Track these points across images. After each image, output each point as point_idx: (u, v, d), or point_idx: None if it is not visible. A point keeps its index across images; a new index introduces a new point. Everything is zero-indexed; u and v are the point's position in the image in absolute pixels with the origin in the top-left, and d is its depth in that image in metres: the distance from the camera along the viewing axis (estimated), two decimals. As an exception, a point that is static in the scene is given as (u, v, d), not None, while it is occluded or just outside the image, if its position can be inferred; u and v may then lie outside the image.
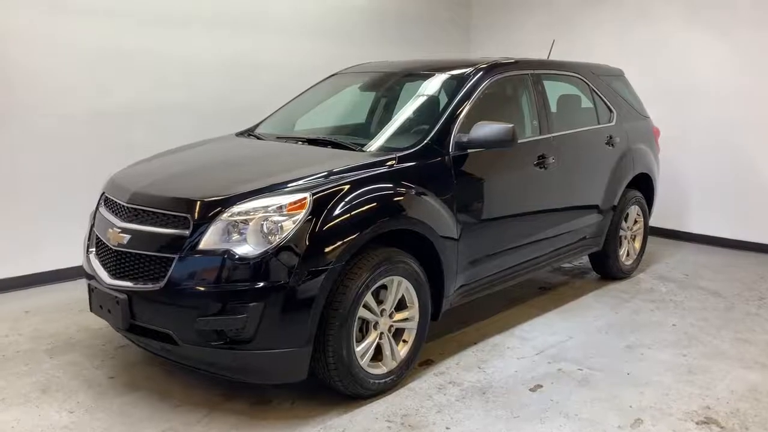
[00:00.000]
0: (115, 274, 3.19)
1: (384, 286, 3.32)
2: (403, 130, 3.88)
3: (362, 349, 3.22)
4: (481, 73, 4.09)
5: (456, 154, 3.72)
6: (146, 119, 5.38)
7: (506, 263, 4.15)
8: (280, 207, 2.99)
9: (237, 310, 2.88)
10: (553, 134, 4.47)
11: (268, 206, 3.00)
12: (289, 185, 3.12)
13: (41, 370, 3.59)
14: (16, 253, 4.84)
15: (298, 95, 4.76)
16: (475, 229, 3.82)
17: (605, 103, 5.18)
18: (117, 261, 3.20)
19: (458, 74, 4.11)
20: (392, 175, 3.39)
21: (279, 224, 2.95)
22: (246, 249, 2.92)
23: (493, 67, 4.19)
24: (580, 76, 5.01)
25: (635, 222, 5.54)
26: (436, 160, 3.63)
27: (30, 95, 4.78)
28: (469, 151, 3.78)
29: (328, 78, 4.83)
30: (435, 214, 3.50)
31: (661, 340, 4.19)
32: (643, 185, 5.57)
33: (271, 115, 4.65)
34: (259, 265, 2.90)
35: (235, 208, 3.00)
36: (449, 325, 4.32)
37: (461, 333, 4.24)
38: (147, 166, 3.73)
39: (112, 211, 3.38)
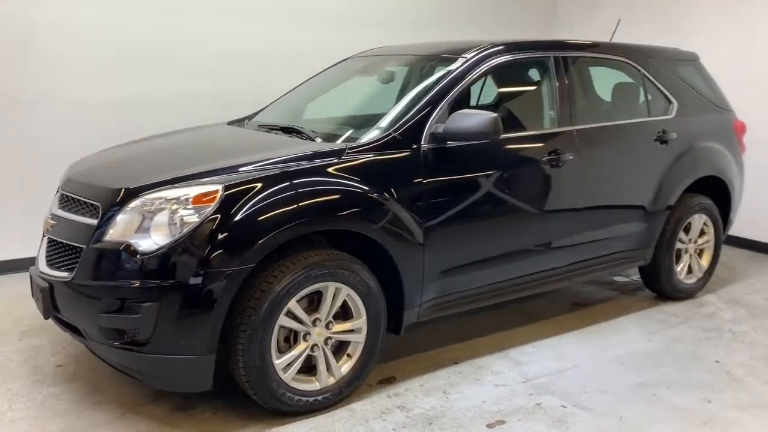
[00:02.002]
0: (46, 262, 3.09)
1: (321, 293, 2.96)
2: (375, 119, 3.46)
3: (284, 361, 2.88)
4: (477, 56, 3.56)
5: (431, 147, 3.25)
6: (171, 109, 5.29)
7: (498, 275, 3.60)
8: (187, 199, 2.72)
9: (132, 309, 2.67)
10: (575, 127, 3.83)
11: (176, 198, 2.74)
12: (208, 175, 2.84)
13: (0, 352, 3.61)
14: (26, 236, 4.93)
15: (303, 82, 4.46)
16: (451, 235, 3.33)
17: (662, 92, 4.39)
18: (48, 248, 3.11)
19: (450, 58, 3.61)
20: (336, 169, 3.00)
21: (182, 218, 2.69)
22: (149, 243, 2.69)
23: (497, 50, 3.64)
24: (628, 60, 4.27)
25: (702, 234, 4.69)
26: (402, 154, 3.19)
27: (53, 84, 4.86)
28: (449, 144, 3.30)
29: (338, 63, 4.48)
30: (389, 214, 3.07)
31: (688, 380, 3.46)
32: (716, 191, 4.70)
33: (275, 101, 4.39)
34: (156, 262, 2.65)
35: (143, 198, 2.77)
36: (438, 339, 3.85)
37: (448, 349, 3.76)
38: (105, 153, 3.61)
39: (56, 198, 3.30)
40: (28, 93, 4.80)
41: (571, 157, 3.74)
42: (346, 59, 4.46)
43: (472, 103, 4.23)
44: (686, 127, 4.42)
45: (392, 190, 3.09)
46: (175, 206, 2.71)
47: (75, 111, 4.97)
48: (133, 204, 2.76)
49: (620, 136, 4.08)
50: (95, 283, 2.75)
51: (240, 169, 2.89)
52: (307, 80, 4.46)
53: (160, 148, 3.52)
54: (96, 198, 2.89)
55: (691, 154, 4.41)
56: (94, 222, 2.83)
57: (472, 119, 3.19)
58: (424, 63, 3.85)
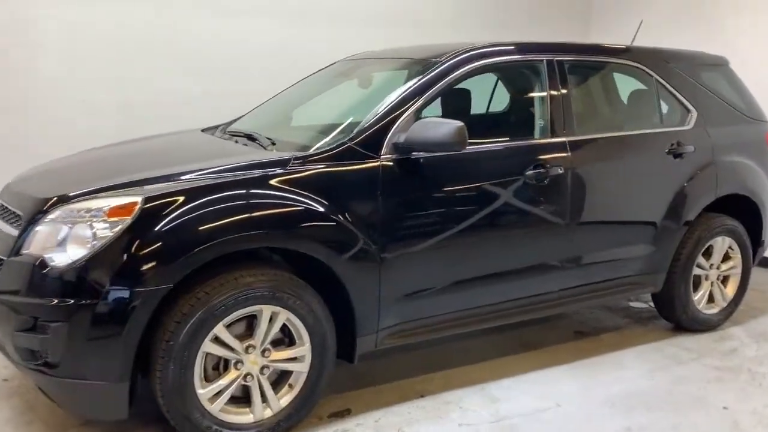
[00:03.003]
0: None
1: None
2: (335, 127, 3.18)
3: (210, 391, 2.63)
4: (451, 60, 3.23)
5: (393, 159, 2.96)
6: (177, 110, 5.15)
7: (474, 301, 3.25)
8: (103, 211, 2.51)
9: (43, 328, 2.47)
10: (568, 138, 3.45)
11: (94, 209, 2.53)
12: (136, 185, 2.63)
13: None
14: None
15: (291, 85, 4.21)
16: (414, 255, 3.01)
17: (678, 101, 3.94)
18: (-16, 258, 2.96)
19: (424, 62, 3.30)
20: (279, 181, 2.74)
21: (96, 232, 2.48)
22: (63, 258, 2.49)
23: (475, 54, 3.30)
24: (639, 65, 3.85)
25: (726, 259, 4.19)
26: (357, 166, 2.90)
27: (52, 85, 4.79)
28: (414, 155, 2.99)
29: (325, 67, 4.22)
30: (334, 231, 2.78)
31: (684, 428, 3.02)
32: (745, 211, 4.20)
33: (258, 106, 4.16)
34: (67, 279, 2.45)
35: (64, 209, 2.58)
36: (415, 366, 3.54)
37: (421, 379, 3.43)
38: (55, 161, 3.45)
39: None
40: (23, 96, 4.73)
41: (561, 171, 3.36)
42: (334, 63, 4.19)
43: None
44: (707, 139, 3.96)
45: (342, 204, 2.81)
46: (92, 218, 2.51)
47: (76, 112, 4.86)
48: (54, 215, 2.57)
49: (622, 149, 3.66)
50: (11, 299, 2.56)
51: (172, 180, 2.67)
52: (295, 84, 4.22)
53: (108, 156, 3.34)
54: (20, 207, 2.72)
55: (711, 169, 3.94)
56: (15, 233, 2.65)
57: (435, 128, 2.89)
58: (401, 67, 3.55)
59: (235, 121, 3.93)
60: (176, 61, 5.13)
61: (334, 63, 4.14)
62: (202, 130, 3.77)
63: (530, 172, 3.28)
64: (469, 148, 3.15)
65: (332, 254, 2.77)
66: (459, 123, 2.87)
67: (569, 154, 3.42)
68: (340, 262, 2.79)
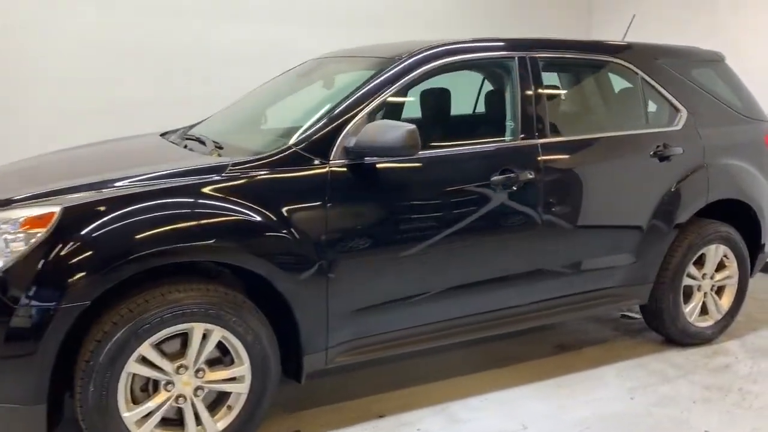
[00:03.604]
0: None
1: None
2: (295, 130, 2.97)
3: (137, 414, 2.46)
4: (412, 58, 3.03)
5: (343, 164, 2.76)
6: (164, 111, 4.99)
7: (434, 315, 3.04)
8: (17, 222, 2.34)
9: (-46, 347, 2.32)
10: (541, 141, 3.22)
11: (9, 220, 2.37)
12: (56, 194, 2.46)
13: None
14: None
15: (262, 84, 4.02)
16: (366, 268, 2.81)
17: (667, 100, 3.69)
18: None
19: (384, 60, 3.10)
20: (213, 189, 2.55)
21: (9, 244, 2.32)
22: (-22, 272, 2.34)
23: (438, 51, 3.09)
24: (623, 62, 3.60)
25: (721, 268, 3.92)
26: (302, 172, 2.71)
27: (32, 89, 4.67)
28: (366, 160, 2.79)
29: (295, 67, 4.03)
30: (274, 243, 2.59)
31: (660, 457, 2.79)
32: (741, 217, 3.93)
33: (226, 108, 3.99)
34: (-23, 295, 2.29)
35: (-18, 220, 2.42)
36: (379, 384, 3.35)
37: (381, 398, 3.24)
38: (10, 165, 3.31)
39: None
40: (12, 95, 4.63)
41: (531, 176, 3.13)
42: (305, 62, 4.00)
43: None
44: (698, 140, 3.70)
45: (284, 214, 2.62)
46: (6, 230, 2.35)
47: (62, 113, 4.74)
48: (-29, 225, 2.42)
49: (601, 152, 3.42)
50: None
51: (101, 187, 2.50)
52: (266, 83, 4.03)
53: (50, 162, 3.19)
54: None
55: (702, 172, 3.68)
56: None
57: (385, 132, 2.69)
58: (364, 67, 3.34)
59: (199, 123, 3.76)
60: (160, 62, 5.00)
61: (305, 62, 3.95)
62: (161, 134, 3.61)
63: (497, 177, 3.06)
64: (429, 152, 2.99)
65: (273, 268, 2.58)
66: (410, 126, 2.66)
67: (541, 157, 3.19)
68: (281, 277, 2.60)
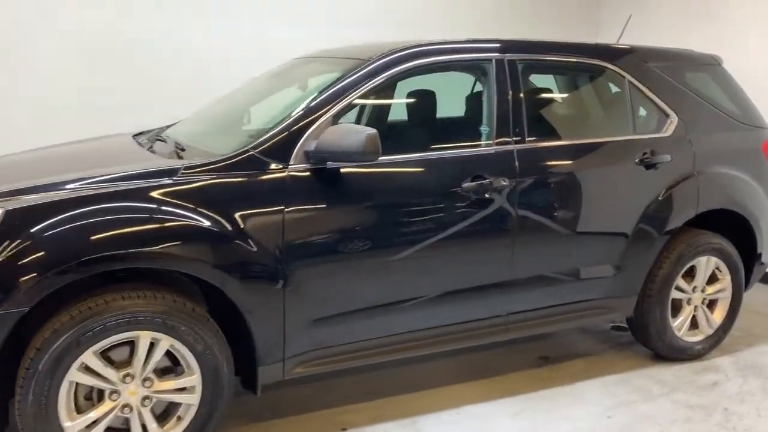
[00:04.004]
0: None
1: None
2: (257, 132, 2.87)
3: (80, 424, 2.39)
4: (382, 59, 2.93)
5: (304, 169, 2.67)
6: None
7: (401, 326, 2.93)
8: (-47, 225, 2.28)
9: None
10: (518, 147, 3.10)
11: (-48, 223, 2.32)
12: (9, 197, 2.40)
13: None
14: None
15: (243, 85, 3.94)
16: (325, 276, 2.72)
17: (656, 105, 3.54)
18: None
19: (354, 61, 3.00)
20: (163, 193, 2.47)
21: (-53, 248, 2.26)
22: None
23: (408, 53, 2.98)
24: (610, 65, 3.46)
25: (713, 281, 3.76)
26: (262, 176, 2.62)
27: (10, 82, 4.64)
28: (329, 165, 2.70)
29: (278, 67, 3.94)
30: (226, 250, 2.50)
31: (630, 480, 2.65)
32: (736, 229, 3.77)
33: (204, 108, 3.90)
34: None
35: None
36: (348, 394, 3.26)
37: (347, 410, 3.14)
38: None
39: None
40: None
41: (506, 183, 3.01)
42: (287, 61, 3.91)
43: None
44: (688, 148, 3.54)
45: (237, 219, 2.53)
46: (-51, 233, 2.29)
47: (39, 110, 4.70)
48: None
49: (582, 158, 3.28)
50: None
51: (51, 189, 2.43)
52: (248, 83, 3.95)
53: (12, 163, 3.13)
54: None
55: (692, 181, 3.52)
56: None
57: (344, 136, 2.59)
58: (335, 68, 3.24)
59: (174, 124, 3.69)
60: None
61: (284, 63, 3.87)
62: (134, 135, 3.54)
63: (468, 184, 2.94)
64: (395, 158, 2.89)
65: (225, 276, 2.49)
66: (370, 131, 2.56)
67: (517, 164, 3.07)
68: (233, 285, 2.51)
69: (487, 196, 2.98)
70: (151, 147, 3.08)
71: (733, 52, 4.89)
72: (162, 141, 3.16)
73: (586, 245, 3.30)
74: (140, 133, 3.56)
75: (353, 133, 2.57)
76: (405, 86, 3.72)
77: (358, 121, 4.08)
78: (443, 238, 2.91)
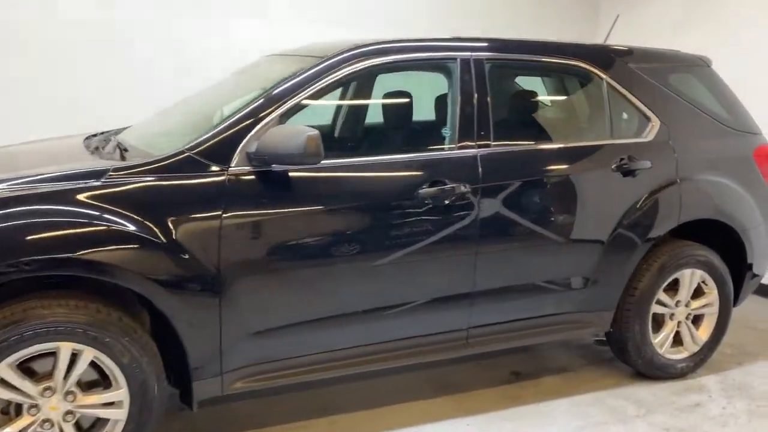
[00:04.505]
0: None
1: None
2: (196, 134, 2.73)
3: (-8, 439, 2.26)
4: (335, 58, 2.77)
5: (245, 171, 2.52)
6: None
7: (349, 340, 2.77)
8: None
9: None
10: (481, 151, 2.92)
11: None
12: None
13: None
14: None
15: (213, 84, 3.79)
16: (267, 286, 2.57)
17: (636, 108, 3.34)
18: None
19: (308, 59, 2.85)
20: (89, 196, 2.33)
21: None
22: None
23: (369, 50, 2.82)
24: (587, 66, 3.27)
25: (699, 295, 3.55)
26: (199, 179, 2.47)
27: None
28: (274, 167, 2.54)
29: (246, 66, 3.79)
30: (156, 258, 2.36)
31: None
32: (725, 240, 3.55)
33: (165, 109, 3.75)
34: None
35: None
36: (300, 409, 3.10)
37: (300, 426, 2.98)
38: None
39: None
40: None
41: (466, 189, 2.84)
42: (256, 60, 3.77)
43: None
44: (670, 154, 3.34)
45: (169, 225, 2.38)
46: None
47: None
48: None
49: (552, 163, 3.09)
50: None
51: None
52: (218, 82, 3.80)
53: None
54: None
55: (674, 189, 3.32)
56: None
57: (284, 137, 2.45)
58: (289, 66, 3.09)
59: (127, 127, 3.54)
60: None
61: (257, 60, 3.72)
62: (90, 136, 3.39)
63: (426, 189, 2.77)
64: (347, 161, 2.74)
65: (152, 285, 2.34)
66: (312, 132, 2.41)
67: (480, 169, 2.89)
68: (163, 295, 2.37)
69: (446, 202, 2.81)
70: (98, 148, 2.95)
71: (733, 52, 4.71)
72: (111, 141, 3.03)
73: (555, 256, 3.11)
74: (95, 134, 3.43)
75: (294, 134, 2.42)
76: (380, 86, 3.60)
77: (334, 123, 3.97)
78: (397, 247, 2.75)
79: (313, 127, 2.50)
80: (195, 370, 2.50)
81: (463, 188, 2.83)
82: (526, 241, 3.03)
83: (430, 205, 2.78)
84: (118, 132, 3.34)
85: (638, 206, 3.23)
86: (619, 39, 3.73)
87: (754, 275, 3.72)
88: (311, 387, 3.17)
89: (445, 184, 2.81)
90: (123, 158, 2.72)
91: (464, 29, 5.52)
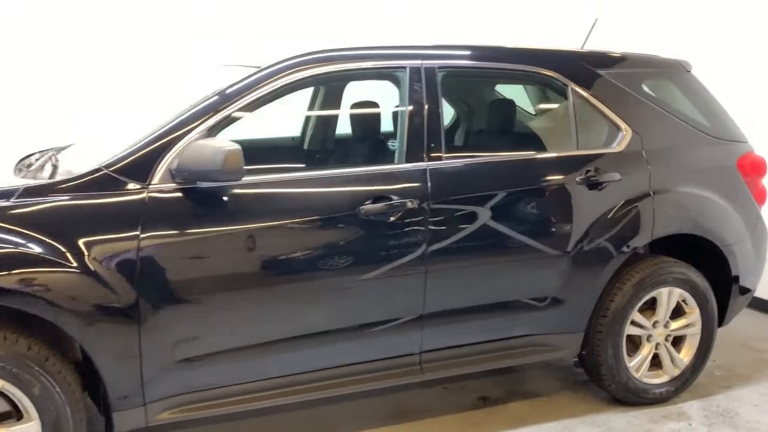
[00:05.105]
0: None
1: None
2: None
3: None
4: (271, 68, 2.63)
5: (168, 189, 2.38)
6: None
7: (287, 367, 2.60)
8: None
9: None
10: (431, 164, 2.75)
11: None
12: None
13: None
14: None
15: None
16: (192, 311, 2.41)
17: (606, 117, 3.14)
18: None
19: (248, 69, 2.71)
20: (0, 217, 2.21)
21: None
22: None
23: (309, 59, 2.67)
24: (551, 73, 3.08)
25: (679, 315, 3.32)
26: (115, 198, 2.34)
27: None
28: (200, 184, 2.40)
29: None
30: (66, 282, 2.21)
31: None
32: (710, 256, 3.33)
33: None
34: None
35: None
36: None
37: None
38: None
39: None
40: None
41: (413, 205, 2.66)
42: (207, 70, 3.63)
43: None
44: (642, 165, 3.13)
45: (81, 246, 2.24)
46: None
47: None
48: None
49: (508, 177, 2.91)
50: None
51: None
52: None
53: None
54: None
55: (646, 202, 3.11)
56: None
57: (203, 153, 2.30)
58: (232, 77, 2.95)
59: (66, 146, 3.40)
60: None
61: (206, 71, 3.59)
62: (28, 155, 3.26)
63: (369, 206, 2.60)
64: (280, 177, 2.59)
65: (60, 311, 2.20)
66: (232, 147, 2.27)
67: (429, 184, 2.72)
68: (75, 322, 2.23)
69: (392, 219, 2.64)
70: (29, 166, 2.82)
71: (721, 56, 4.49)
72: (46, 160, 2.91)
73: (514, 275, 2.92)
74: (34, 153, 3.28)
75: (213, 150, 2.28)
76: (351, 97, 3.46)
77: (303, 135, 3.83)
78: (336, 267, 2.58)
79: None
80: (115, 400, 2.35)
81: (409, 204, 2.66)
82: (481, 260, 2.84)
83: (374, 222, 2.61)
84: (59, 150, 3.22)
85: (606, 221, 3.03)
86: (602, 44, 3.55)
87: (743, 292, 3.48)
88: (258, 414, 3.00)
89: (391, 200, 2.64)
90: (52, 177, 2.59)
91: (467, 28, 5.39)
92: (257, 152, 2.90)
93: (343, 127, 3.66)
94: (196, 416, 2.53)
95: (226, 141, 2.32)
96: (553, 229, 2.95)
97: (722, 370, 3.74)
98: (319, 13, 5.18)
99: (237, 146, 2.28)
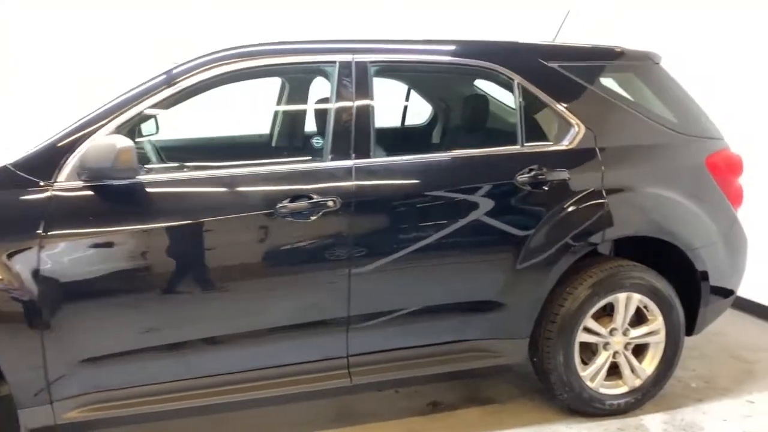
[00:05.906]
0: None
1: None
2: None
3: None
4: (192, 62, 2.59)
5: (73, 187, 2.36)
6: None
7: (200, 368, 2.56)
8: None
9: None
10: (357, 162, 2.65)
11: None
12: None
13: None
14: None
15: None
16: (96, 311, 2.39)
17: (556, 113, 2.98)
18: None
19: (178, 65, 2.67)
20: None
21: None
22: None
23: (227, 54, 2.62)
24: (495, 66, 2.94)
25: (644, 321, 3.14)
26: (18, 196, 2.33)
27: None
28: (107, 181, 2.37)
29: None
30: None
31: None
32: (673, 260, 3.14)
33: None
34: None
35: None
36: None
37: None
38: None
39: None
40: None
41: (336, 205, 2.57)
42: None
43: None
44: (595, 163, 2.96)
45: (-16, 245, 2.24)
46: None
47: None
48: None
49: (440, 175, 2.78)
50: None
51: None
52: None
53: None
54: None
55: (598, 203, 2.94)
56: None
57: (99, 151, 2.28)
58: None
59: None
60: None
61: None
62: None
63: (287, 204, 2.53)
64: (191, 175, 2.54)
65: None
66: (123, 144, 2.23)
67: (354, 182, 2.63)
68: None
69: (312, 218, 2.56)
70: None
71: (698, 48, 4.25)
72: None
73: (447, 279, 2.80)
74: None
75: (106, 147, 2.25)
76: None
77: (272, 133, 3.78)
78: (247, 267, 2.52)
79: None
80: (19, 397, 2.35)
81: (331, 203, 2.57)
82: (411, 262, 2.72)
83: (294, 222, 2.54)
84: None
85: (552, 222, 2.87)
86: (574, 36, 3.40)
87: (715, 298, 3.26)
88: (190, 414, 2.97)
89: (311, 199, 2.56)
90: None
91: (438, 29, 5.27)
92: (199, 151, 2.88)
93: (310, 125, 3.62)
94: (108, 415, 2.51)
95: (121, 138, 2.29)
96: (492, 230, 2.81)
97: (700, 381, 3.53)
98: (320, 13, 5.15)
99: (129, 143, 2.24)
